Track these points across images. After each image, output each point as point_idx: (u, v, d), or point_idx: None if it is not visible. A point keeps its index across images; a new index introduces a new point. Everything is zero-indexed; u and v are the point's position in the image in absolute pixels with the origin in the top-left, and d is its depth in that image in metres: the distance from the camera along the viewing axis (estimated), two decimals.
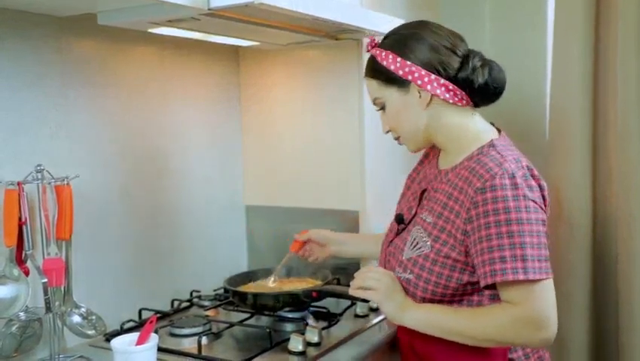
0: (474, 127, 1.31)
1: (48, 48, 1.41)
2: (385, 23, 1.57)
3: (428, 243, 1.26)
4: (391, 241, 1.40)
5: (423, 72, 1.26)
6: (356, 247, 1.69)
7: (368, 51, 1.35)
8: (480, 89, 1.26)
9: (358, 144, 1.80)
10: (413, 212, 1.37)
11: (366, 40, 1.74)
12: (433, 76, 1.26)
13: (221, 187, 1.95)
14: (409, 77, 1.27)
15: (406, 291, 1.29)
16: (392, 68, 1.28)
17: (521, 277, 1.15)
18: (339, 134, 1.84)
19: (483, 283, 1.19)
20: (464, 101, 1.29)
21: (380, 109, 1.35)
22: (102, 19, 1.38)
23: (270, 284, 1.64)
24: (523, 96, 1.95)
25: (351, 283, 1.34)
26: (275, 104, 1.96)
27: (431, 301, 1.27)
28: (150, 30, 1.49)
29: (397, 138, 1.37)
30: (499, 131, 1.34)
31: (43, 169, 1.31)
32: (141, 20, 1.37)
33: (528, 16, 1.95)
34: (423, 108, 1.29)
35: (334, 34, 1.66)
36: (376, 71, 1.32)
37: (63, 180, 1.33)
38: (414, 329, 1.27)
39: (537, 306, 1.17)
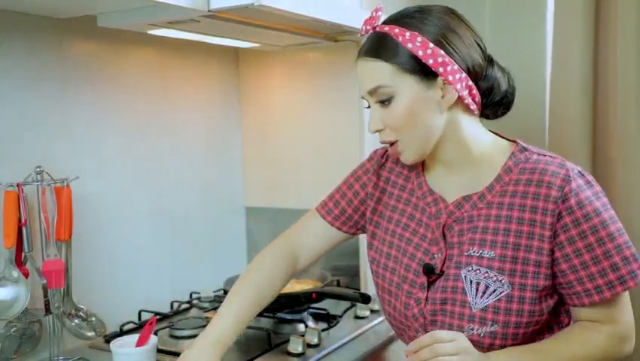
0: (487, 138, 1.10)
1: (48, 49, 1.41)
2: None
3: (504, 281, 1.02)
4: (427, 298, 1.08)
5: (456, 67, 1.02)
6: None
7: (374, 29, 1.07)
8: (500, 97, 1.09)
9: (358, 145, 1.80)
10: (443, 255, 1.08)
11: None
12: (464, 74, 1.03)
13: (221, 188, 1.95)
14: (440, 70, 1.01)
15: (490, 347, 1.03)
16: (420, 53, 1.01)
17: None
18: (339, 136, 1.84)
19: (594, 300, 1.02)
20: (478, 111, 1.09)
21: (380, 101, 1.06)
22: (101, 21, 1.38)
23: None
24: (522, 97, 1.91)
25: (414, 358, 0.99)
26: (275, 105, 1.96)
27: (522, 343, 1.04)
28: (149, 32, 1.49)
29: (391, 143, 1.09)
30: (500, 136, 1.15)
31: (42, 170, 1.31)
32: (140, 22, 1.37)
33: (527, 16, 1.95)
34: (442, 110, 1.04)
35: (334, 35, 1.66)
36: (392, 53, 1.02)
37: (63, 181, 1.34)
38: None
39: (629, 318, 1.06)
